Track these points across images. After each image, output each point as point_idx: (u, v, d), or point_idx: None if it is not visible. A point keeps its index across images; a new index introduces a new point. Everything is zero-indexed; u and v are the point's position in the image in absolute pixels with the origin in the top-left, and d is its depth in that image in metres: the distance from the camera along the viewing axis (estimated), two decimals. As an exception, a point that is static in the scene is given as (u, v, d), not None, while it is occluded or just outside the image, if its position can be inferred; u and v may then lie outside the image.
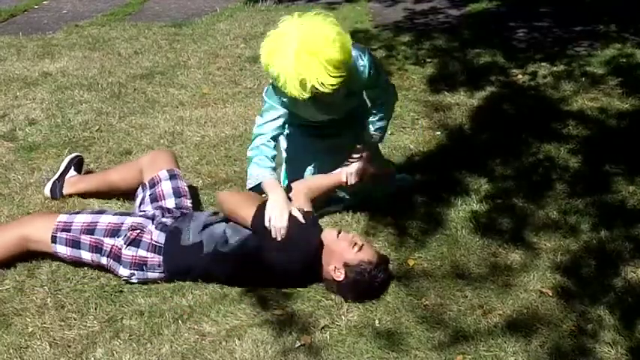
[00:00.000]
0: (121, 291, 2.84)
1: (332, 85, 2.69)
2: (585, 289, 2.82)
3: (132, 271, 2.84)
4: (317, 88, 2.68)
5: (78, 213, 3.00)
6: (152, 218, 2.96)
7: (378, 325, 2.64)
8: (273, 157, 3.03)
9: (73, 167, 3.56)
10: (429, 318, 2.67)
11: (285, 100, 2.96)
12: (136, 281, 2.87)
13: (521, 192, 3.53)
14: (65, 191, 3.49)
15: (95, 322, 2.67)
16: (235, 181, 3.64)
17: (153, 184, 3.19)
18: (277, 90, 2.90)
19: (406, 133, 4.23)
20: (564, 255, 3.04)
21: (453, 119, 4.40)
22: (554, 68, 5.20)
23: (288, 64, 2.67)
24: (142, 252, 2.84)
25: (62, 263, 2.96)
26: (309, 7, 6.88)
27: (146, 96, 4.82)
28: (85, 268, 2.94)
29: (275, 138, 3.06)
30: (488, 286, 2.85)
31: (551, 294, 2.80)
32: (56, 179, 3.51)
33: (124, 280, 2.87)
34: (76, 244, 2.89)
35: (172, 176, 3.22)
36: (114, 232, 2.88)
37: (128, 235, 2.86)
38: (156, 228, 2.90)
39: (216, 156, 3.95)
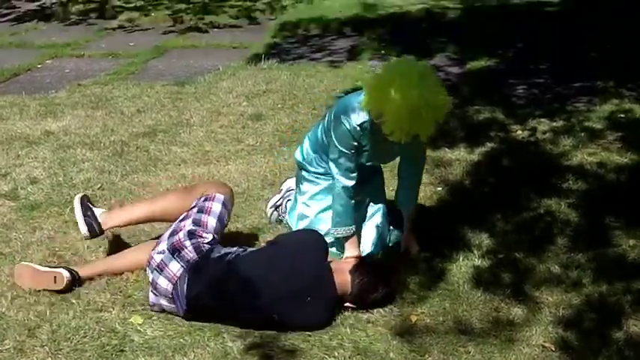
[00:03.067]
0: (122, 350, 2.81)
1: (428, 136, 3.06)
2: (587, 343, 2.80)
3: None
4: (417, 136, 3.01)
5: None
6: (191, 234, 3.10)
7: (380, 382, 2.61)
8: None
9: (89, 204, 3.42)
10: (431, 375, 2.65)
11: (362, 143, 3.19)
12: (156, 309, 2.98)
13: (522, 246, 3.53)
14: (106, 226, 3.37)
15: (95, 381, 2.64)
16: (239, 239, 3.62)
17: (206, 198, 3.24)
18: (357, 133, 3.13)
19: (407, 189, 4.24)
20: (566, 309, 3.03)
21: (453, 175, 4.42)
22: (554, 124, 5.24)
23: (403, 116, 2.91)
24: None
25: (63, 322, 2.95)
26: (311, 65, 7.00)
27: (148, 154, 4.85)
28: (86, 327, 2.92)
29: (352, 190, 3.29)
30: (491, 342, 2.83)
31: (553, 348, 2.78)
32: (84, 216, 3.33)
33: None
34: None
35: (224, 204, 3.26)
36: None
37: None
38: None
39: (217, 213, 3.95)
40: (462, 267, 3.36)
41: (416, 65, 3.05)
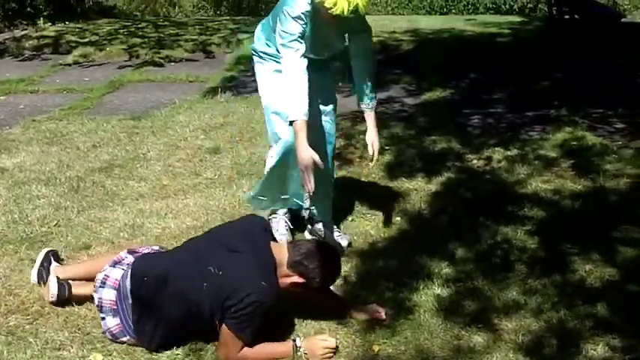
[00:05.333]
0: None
1: (361, 9, 3.26)
2: (549, 370, 2.82)
3: None
4: (357, 9, 3.23)
5: None
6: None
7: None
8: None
9: (52, 258, 3.57)
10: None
11: (304, 27, 3.41)
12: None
13: (481, 274, 3.56)
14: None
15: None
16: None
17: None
18: (301, 19, 3.39)
19: (367, 220, 4.26)
20: (526, 335, 3.05)
21: (411, 204, 4.45)
22: (509, 152, 5.32)
23: None
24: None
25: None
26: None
27: (105, 189, 4.80)
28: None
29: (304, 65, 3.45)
30: (454, 371, 2.84)
31: (516, 376, 2.80)
32: (40, 266, 3.51)
33: None
34: None
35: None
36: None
37: None
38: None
39: (176, 247, 3.92)
40: (423, 296, 3.37)
41: None
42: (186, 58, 9.24)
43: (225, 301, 2.82)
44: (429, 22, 10.82)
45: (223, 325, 2.87)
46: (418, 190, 4.67)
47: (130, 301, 3.03)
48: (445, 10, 13.57)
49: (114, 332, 3.05)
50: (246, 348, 2.89)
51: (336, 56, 3.87)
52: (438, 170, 4.99)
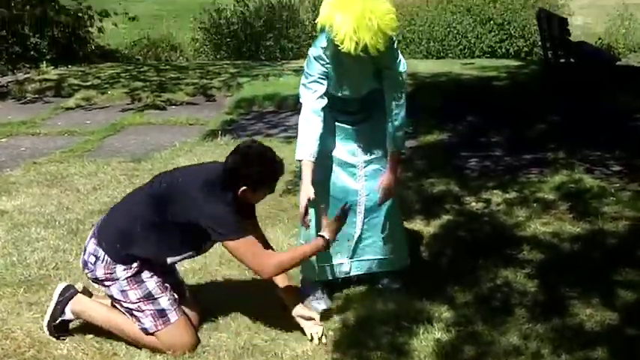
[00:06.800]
0: None
1: (378, 49, 3.28)
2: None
3: None
4: (367, 48, 3.25)
5: None
6: None
7: None
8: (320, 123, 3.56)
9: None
10: None
11: (327, 67, 3.50)
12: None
13: (481, 318, 3.55)
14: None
15: None
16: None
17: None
18: (322, 59, 3.49)
19: (365, 262, 4.25)
20: (527, 381, 3.03)
21: (410, 247, 4.44)
22: (507, 195, 5.34)
23: (349, 22, 3.22)
24: None
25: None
26: (267, 141, 7.05)
27: (104, 232, 4.79)
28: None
29: (321, 105, 3.56)
30: (454, 416, 2.81)
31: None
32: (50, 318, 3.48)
33: None
34: None
35: None
36: None
37: None
38: None
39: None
40: (422, 341, 3.36)
41: None
42: (187, 101, 9.31)
43: (198, 222, 3.19)
44: (426, 66, 10.92)
45: (229, 245, 3.24)
46: (417, 232, 4.68)
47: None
48: (442, 54, 13.69)
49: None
50: (278, 255, 3.42)
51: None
52: (436, 212, 5.00)
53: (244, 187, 3.27)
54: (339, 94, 3.64)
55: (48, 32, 12.34)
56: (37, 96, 9.77)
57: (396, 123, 3.63)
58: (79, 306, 3.46)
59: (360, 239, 3.80)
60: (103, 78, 10.44)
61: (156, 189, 3.39)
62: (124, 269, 3.31)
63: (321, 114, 3.55)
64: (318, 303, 3.77)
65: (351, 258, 3.84)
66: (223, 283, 4.04)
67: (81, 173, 6.13)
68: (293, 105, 8.82)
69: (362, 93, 3.68)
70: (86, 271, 3.42)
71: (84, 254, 3.42)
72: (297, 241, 4.05)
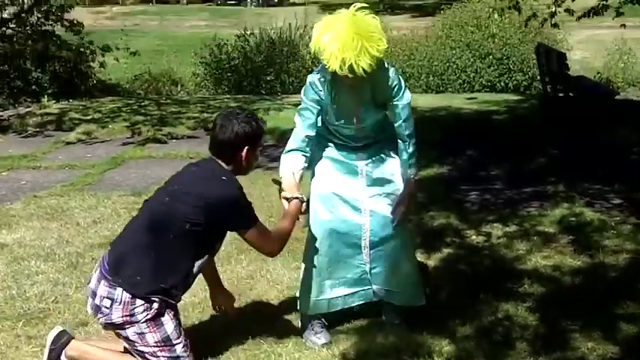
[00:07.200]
0: None
1: (364, 69, 3.31)
2: None
3: None
4: (353, 68, 3.29)
5: None
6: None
7: None
8: (302, 150, 3.65)
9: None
10: None
11: (320, 94, 3.58)
12: None
13: (482, 352, 3.53)
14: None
15: None
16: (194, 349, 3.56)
17: None
18: (315, 86, 3.59)
19: (366, 296, 4.23)
20: (529, 415, 3.01)
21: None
22: (507, 228, 5.34)
23: (334, 41, 3.30)
24: None
25: None
26: (268, 175, 7.06)
27: (104, 265, 4.79)
28: None
29: (309, 136, 3.65)
30: None
31: None
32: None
33: None
34: None
35: None
36: None
37: None
38: None
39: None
40: (423, 374, 3.34)
41: (350, 11, 3.42)
42: (188, 135, 9.34)
43: (216, 216, 3.25)
44: (426, 100, 10.98)
45: (248, 235, 3.36)
46: (417, 265, 4.66)
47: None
48: (441, 88, 13.77)
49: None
50: (277, 232, 3.45)
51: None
52: (436, 246, 4.99)
53: (247, 148, 3.39)
54: (336, 124, 3.68)
55: (50, 67, 12.43)
56: (38, 130, 9.81)
57: (410, 150, 3.72)
58: (74, 352, 3.40)
59: (365, 271, 3.78)
60: (104, 112, 10.49)
61: (157, 208, 3.39)
62: (144, 310, 3.20)
63: (306, 150, 3.64)
64: (318, 338, 3.74)
65: (356, 287, 3.81)
66: (223, 317, 4.02)
67: (81, 207, 6.13)
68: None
69: (362, 125, 3.69)
70: (100, 316, 3.26)
71: (93, 299, 3.26)
72: (297, 273, 4.06)
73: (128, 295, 3.18)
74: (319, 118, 3.67)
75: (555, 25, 8.28)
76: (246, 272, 4.57)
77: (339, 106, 3.62)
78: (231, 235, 5.23)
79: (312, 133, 3.64)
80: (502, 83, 13.67)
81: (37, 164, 7.89)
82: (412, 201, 3.81)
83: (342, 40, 3.29)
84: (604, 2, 8.08)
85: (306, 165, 3.67)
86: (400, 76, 3.65)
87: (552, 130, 8.43)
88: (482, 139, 8.30)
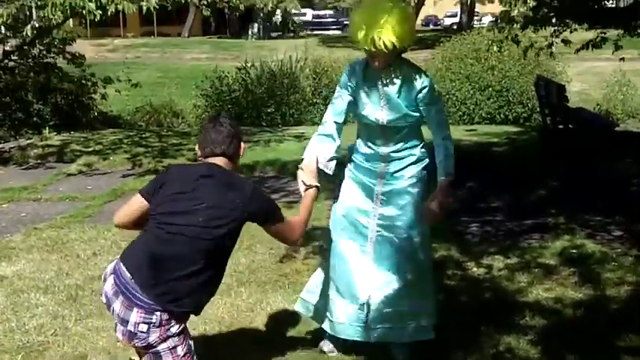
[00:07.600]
0: None
1: (385, 44, 3.44)
2: None
3: None
4: (375, 42, 3.44)
5: None
6: None
7: None
8: (331, 135, 3.78)
9: None
10: None
11: (354, 82, 3.73)
12: None
13: (484, 385, 3.51)
14: None
15: None
16: None
17: None
18: (349, 72, 3.76)
19: (366, 329, 4.21)
20: None
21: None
22: (508, 260, 5.33)
23: (362, 19, 3.52)
24: None
25: None
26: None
27: (104, 297, 4.77)
28: None
29: (337, 122, 3.80)
30: None
31: None
32: None
33: None
34: None
35: None
36: None
37: None
38: None
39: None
40: (425, 408, 3.31)
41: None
42: (188, 166, 9.35)
43: (247, 217, 3.24)
44: (426, 132, 11.02)
45: (270, 229, 3.35)
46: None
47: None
48: (442, 120, 13.84)
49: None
50: (298, 219, 3.50)
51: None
52: (437, 278, 4.97)
53: (241, 143, 3.40)
54: (363, 113, 3.78)
55: (51, 99, 12.48)
56: (39, 161, 9.84)
57: (447, 152, 3.90)
58: None
59: (369, 304, 3.77)
60: (105, 144, 10.53)
61: (191, 231, 3.22)
62: (177, 323, 3.14)
63: (334, 135, 3.78)
64: (325, 345, 3.92)
65: (360, 324, 3.80)
66: (221, 347, 4.00)
67: (81, 239, 6.12)
68: (294, 170, 8.89)
69: (386, 119, 3.76)
70: (135, 341, 3.15)
71: (125, 326, 3.13)
72: (296, 305, 4.05)
73: (165, 316, 3.10)
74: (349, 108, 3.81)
75: (552, 55, 8.33)
76: (246, 305, 4.55)
77: (367, 94, 3.73)
78: (230, 268, 5.25)
79: (341, 120, 3.80)
80: (502, 115, 13.73)
81: (38, 196, 7.90)
82: (444, 203, 3.86)
83: (369, 18, 3.49)
84: (602, 35, 8.15)
85: (335, 155, 3.79)
86: (435, 86, 3.82)
87: (552, 162, 8.45)
88: (482, 171, 8.30)
